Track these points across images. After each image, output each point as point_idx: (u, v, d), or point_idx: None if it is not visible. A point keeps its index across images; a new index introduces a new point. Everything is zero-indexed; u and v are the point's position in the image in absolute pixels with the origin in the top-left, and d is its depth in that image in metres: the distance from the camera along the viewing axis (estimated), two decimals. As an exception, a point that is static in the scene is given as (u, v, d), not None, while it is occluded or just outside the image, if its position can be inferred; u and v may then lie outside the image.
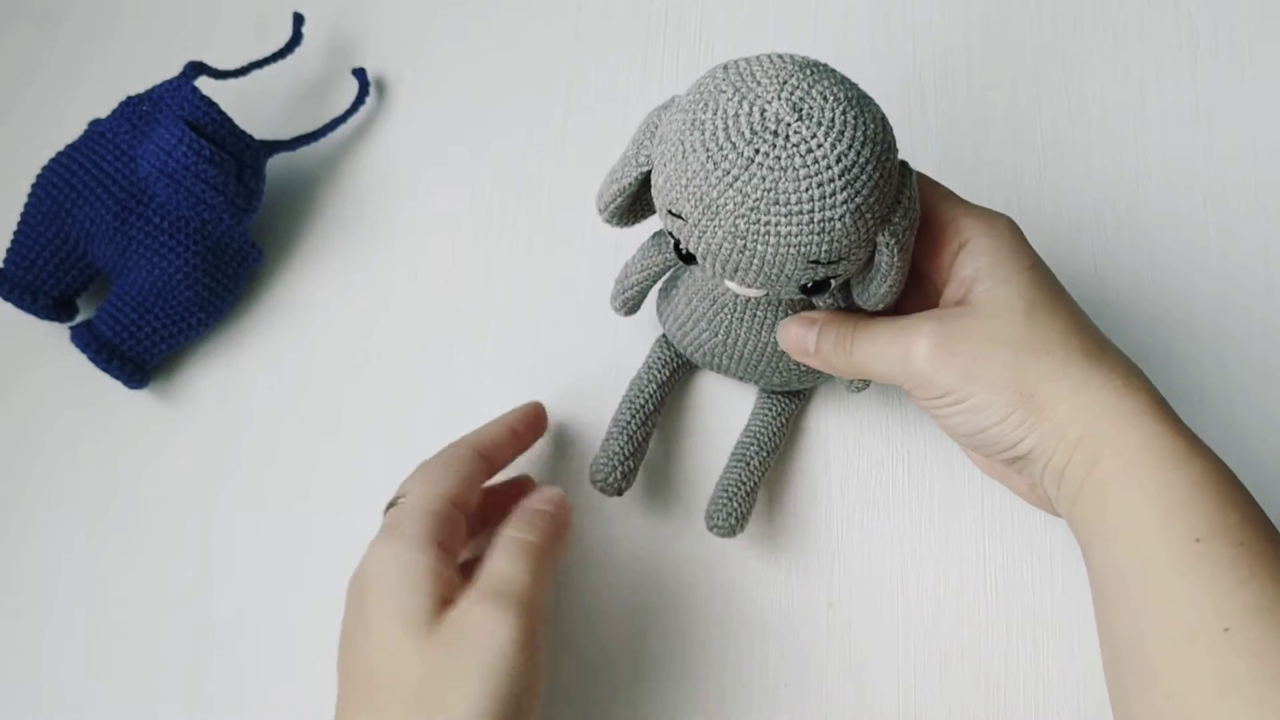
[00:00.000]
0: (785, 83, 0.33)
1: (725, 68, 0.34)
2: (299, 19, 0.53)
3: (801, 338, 0.40)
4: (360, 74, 0.54)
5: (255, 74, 0.52)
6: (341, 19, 0.57)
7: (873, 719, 0.44)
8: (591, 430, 0.48)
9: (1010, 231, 0.38)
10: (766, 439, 0.46)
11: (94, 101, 0.52)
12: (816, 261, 0.34)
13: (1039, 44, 0.53)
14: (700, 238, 0.35)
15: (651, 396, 0.46)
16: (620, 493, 0.45)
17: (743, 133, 0.33)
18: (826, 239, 0.33)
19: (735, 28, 0.55)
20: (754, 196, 0.33)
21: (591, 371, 0.49)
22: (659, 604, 0.46)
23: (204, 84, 0.50)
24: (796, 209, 0.33)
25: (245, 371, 0.51)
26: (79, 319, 0.51)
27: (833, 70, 0.34)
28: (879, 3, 0.55)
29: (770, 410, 0.46)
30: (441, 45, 0.56)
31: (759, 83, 0.33)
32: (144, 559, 0.48)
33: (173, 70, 0.50)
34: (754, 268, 0.35)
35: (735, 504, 0.44)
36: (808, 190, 0.32)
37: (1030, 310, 0.36)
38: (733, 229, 0.33)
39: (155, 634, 0.47)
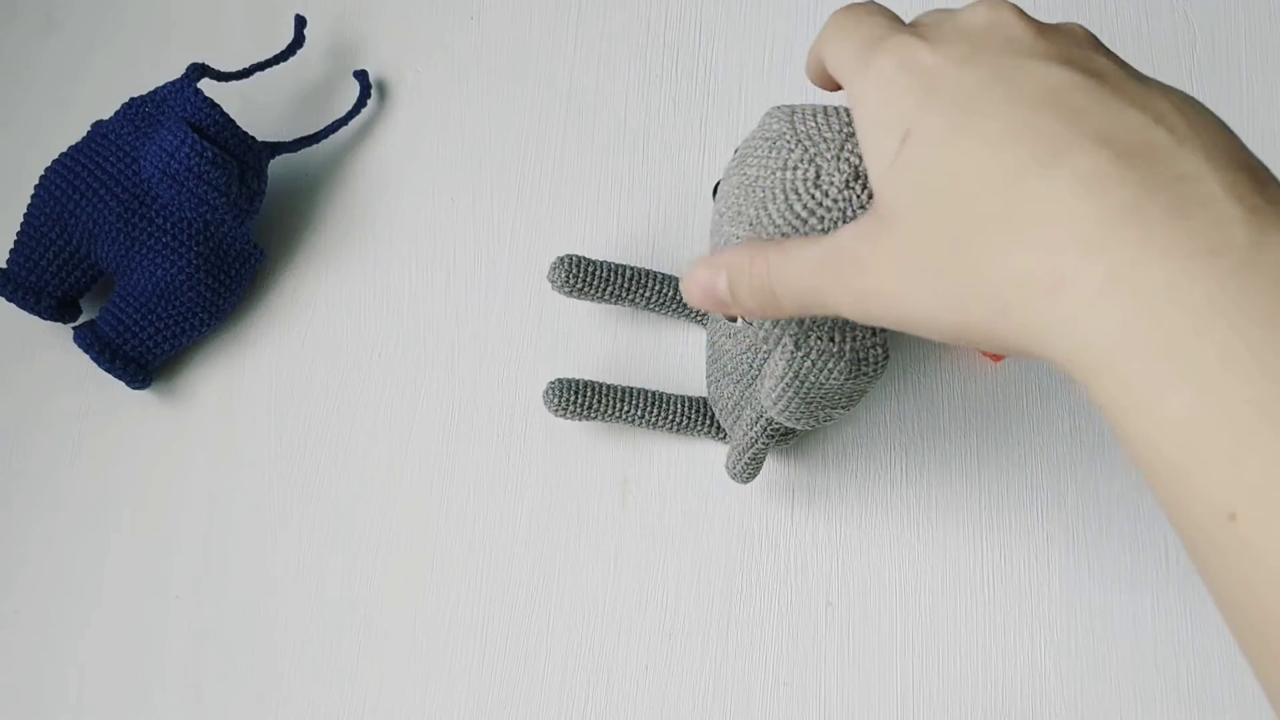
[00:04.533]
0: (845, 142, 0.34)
1: (791, 119, 0.35)
2: (301, 21, 0.54)
3: (707, 282, 0.33)
4: (362, 76, 0.54)
5: (257, 76, 0.52)
6: (343, 21, 0.57)
7: (871, 718, 0.44)
8: (590, 429, 0.48)
9: (869, 95, 0.29)
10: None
11: (97, 103, 0.52)
12: None
13: (1037, 46, 0.54)
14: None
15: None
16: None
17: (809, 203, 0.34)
18: None
19: (735, 28, 0.55)
20: None
21: (591, 371, 0.49)
22: (656, 604, 0.46)
23: (207, 86, 0.51)
24: None
25: (247, 371, 0.51)
26: (82, 319, 0.51)
27: None
28: (878, 5, 0.55)
29: None
30: (442, 47, 0.56)
31: (824, 139, 0.34)
32: (146, 558, 0.48)
33: (175, 72, 0.50)
34: None
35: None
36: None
37: (928, 211, 0.27)
38: None
39: (158, 634, 0.47)
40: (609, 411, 0.46)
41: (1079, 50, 0.28)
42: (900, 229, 0.28)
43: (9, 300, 0.49)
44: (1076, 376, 0.26)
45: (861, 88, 0.30)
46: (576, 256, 0.46)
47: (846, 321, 0.35)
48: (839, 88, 0.35)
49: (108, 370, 0.48)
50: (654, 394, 0.47)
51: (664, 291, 0.48)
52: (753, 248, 0.32)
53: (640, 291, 0.48)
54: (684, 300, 0.47)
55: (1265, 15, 0.54)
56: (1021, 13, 0.29)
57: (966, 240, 0.27)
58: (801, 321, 0.35)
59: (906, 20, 0.32)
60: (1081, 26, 0.30)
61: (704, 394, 0.47)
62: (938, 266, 0.27)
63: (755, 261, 0.32)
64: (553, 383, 0.46)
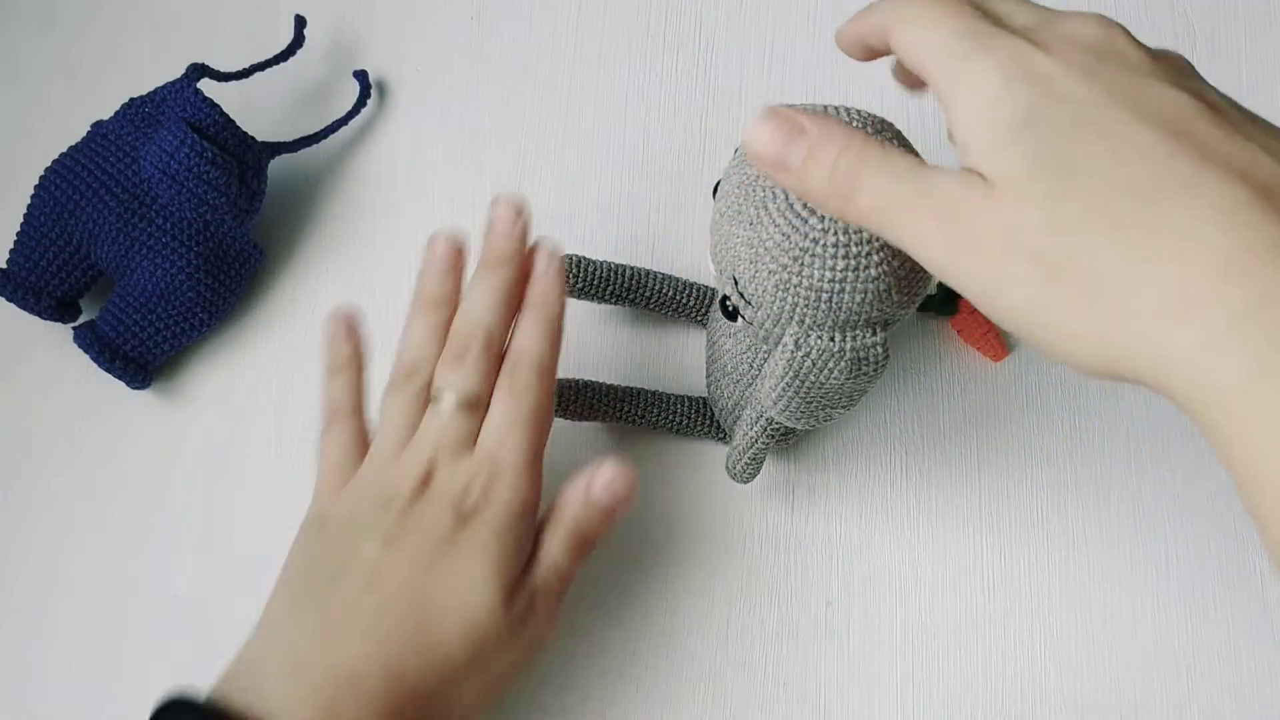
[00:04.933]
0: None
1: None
2: (301, 21, 0.54)
3: (778, 142, 0.31)
4: (361, 76, 0.54)
5: (257, 76, 0.52)
6: (343, 22, 0.57)
7: (871, 718, 0.44)
8: (590, 429, 0.48)
9: (979, 85, 0.28)
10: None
11: (97, 103, 0.52)
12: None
13: (1037, 46, 0.54)
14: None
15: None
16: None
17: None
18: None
19: (734, 28, 0.55)
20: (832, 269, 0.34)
21: (591, 371, 0.49)
22: (657, 605, 0.46)
23: (206, 86, 0.51)
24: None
25: (247, 371, 0.51)
26: (82, 319, 0.51)
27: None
28: (878, 5, 0.55)
29: None
30: (442, 48, 0.56)
31: None
32: (146, 559, 0.48)
33: (175, 72, 0.50)
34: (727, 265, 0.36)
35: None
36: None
37: (1044, 194, 0.27)
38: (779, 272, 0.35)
39: (158, 635, 0.47)
40: (609, 412, 0.46)
41: (1190, 79, 0.29)
42: (1012, 202, 0.27)
43: (9, 300, 0.49)
44: (1187, 403, 0.25)
45: (968, 78, 0.28)
46: (577, 256, 0.46)
47: (847, 320, 0.35)
48: (872, 58, 0.35)
49: (108, 370, 0.48)
50: (653, 394, 0.47)
51: (664, 292, 0.48)
52: (850, 130, 0.30)
53: (640, 292, 0.48)
54: (697, 304, 0.48)
55: (1265, 15, 0.54)
56: (1130, 34, 0.29)
57: (1088, 243, 0.26)
58: (802, 320, 0.35)
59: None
60: (1183, 56, 0.30)
61: (704, 394, 0.47)
62: (1048, 254, 0.26)
63: (850, 148, 0.30)
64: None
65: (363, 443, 0.42)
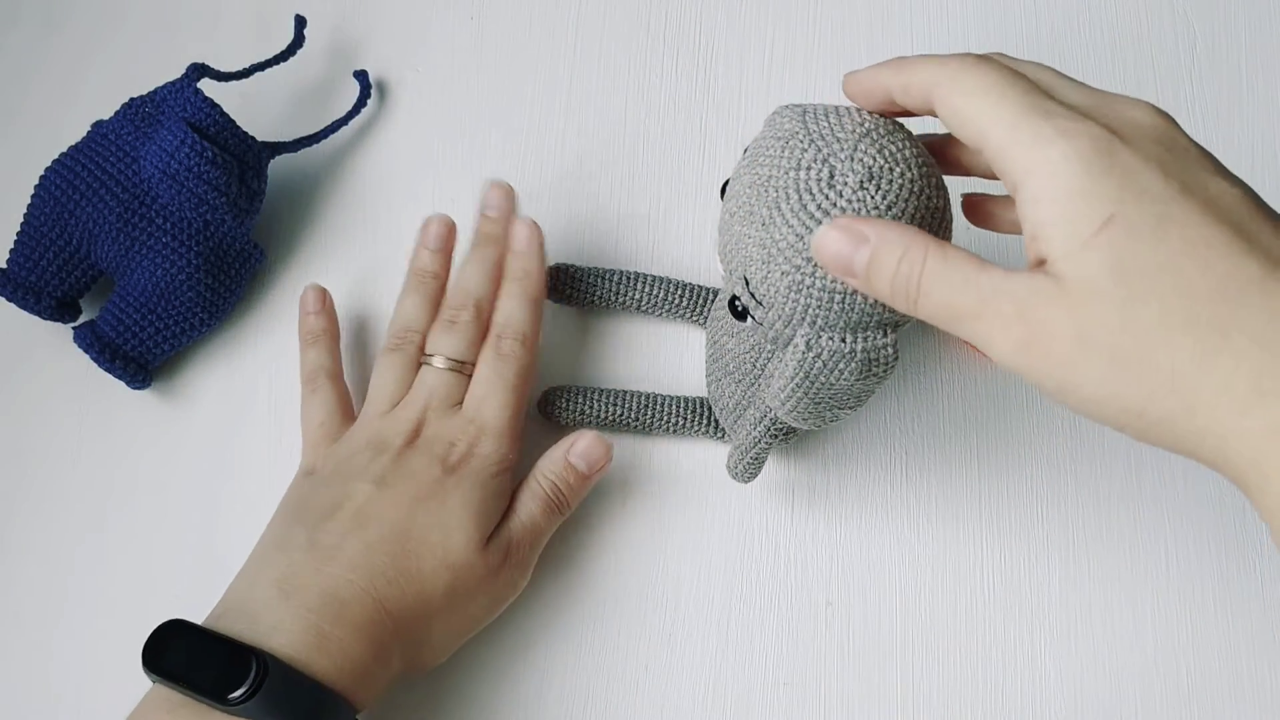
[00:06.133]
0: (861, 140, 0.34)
1: (804, 118, 0.35)
2: (301, 21, 0.54)
3: (844, 251, 0.32)
4: (362, 76, 0.54)
5: (257, 76, 0.52)
6: (343, 22, 0.57)
7: (871, 718, 0.44)
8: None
9: (1061, 167, 0.29)
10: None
11: (97, 103, 0.52)
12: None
13: (1037, 47, 0.54)
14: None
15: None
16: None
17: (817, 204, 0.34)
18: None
19: (735, 28, 0.55)
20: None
21: (590, 374, 0.49)
22: (656, 604, 0.46)
23: (206, 86, 0.51)
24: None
25: (247, 371, 0.51)
26: (82, 319, 0.51)
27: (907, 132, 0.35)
28: (878, 6, 0.55)
29: None
30: (442, 48, 0.56)
31: (838, 139, 0.34)
32: (147, 559, 0.48)
33: (175, 72, 0.50)
34: (738, 261, 0.36)
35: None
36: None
37: (1123, 298, 0.28)
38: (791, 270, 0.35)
39: (157, 633, 0.47)
40: (604, 417, 0.46)
41: (1218, 164, 0.30)
42: (1087, 304, 0.28)
43: (9, 300, 0.49)
44: (1246, 482, 0.28)
45: (1046, 163, 0.29)
46: (564, 266, 0.47)
47: (859, 322, 0.35)
48: (889, 111, 0.35)
49: (108, 370, 0.48)
50: (649, 396, 0.47)
51: (654, 294, 0.48)
52: (910, 235, 0.31)
53: (630, 295, 0.48)
54: (696, 310, 0.48)
55: (1265, 15, 0.54)
56: (1178, 123, 0.31)
57: (1165, 342, 0.28)
58: (814, 322, 0.35)
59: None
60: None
61: (702, 394, 0.48)
62: (1125, 352, 0.28)
63: (911, 253, 0.31)
64: (547, 391, 0.47)
65: (345, 404, 0.47)
